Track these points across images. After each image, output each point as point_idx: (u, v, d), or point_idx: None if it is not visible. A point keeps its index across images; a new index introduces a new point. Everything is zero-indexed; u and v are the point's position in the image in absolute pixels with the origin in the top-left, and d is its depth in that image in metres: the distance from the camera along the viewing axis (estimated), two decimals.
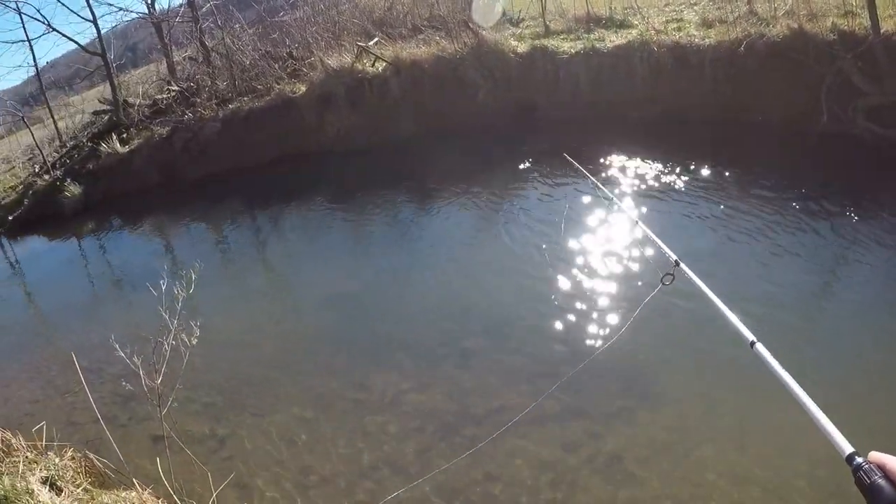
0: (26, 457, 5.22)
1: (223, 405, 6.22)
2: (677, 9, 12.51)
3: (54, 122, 20.99)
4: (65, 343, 8.50)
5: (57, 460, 5.24)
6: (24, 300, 12.02)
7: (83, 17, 19.09)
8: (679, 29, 10.87)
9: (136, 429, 6.14)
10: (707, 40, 10.09)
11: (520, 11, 15.00)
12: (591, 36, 11.77)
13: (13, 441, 5.42)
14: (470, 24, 12.87)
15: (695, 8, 12.13)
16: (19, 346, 9.15)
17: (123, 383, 5.58)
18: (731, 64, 9.67)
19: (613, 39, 11.29)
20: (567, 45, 11.76)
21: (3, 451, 5.32)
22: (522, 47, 12.13)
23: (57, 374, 7.87)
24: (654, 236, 3.12)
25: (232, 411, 6.08)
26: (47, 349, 8.79)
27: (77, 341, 8.32)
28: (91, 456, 5.33)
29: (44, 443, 5.50)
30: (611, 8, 12.79)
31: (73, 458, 5.34)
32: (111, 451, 5.12)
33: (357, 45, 13.90)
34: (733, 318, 2.14)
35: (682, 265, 2.72)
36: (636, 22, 11.88)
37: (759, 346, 1.90)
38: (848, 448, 1.43)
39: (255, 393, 6.28)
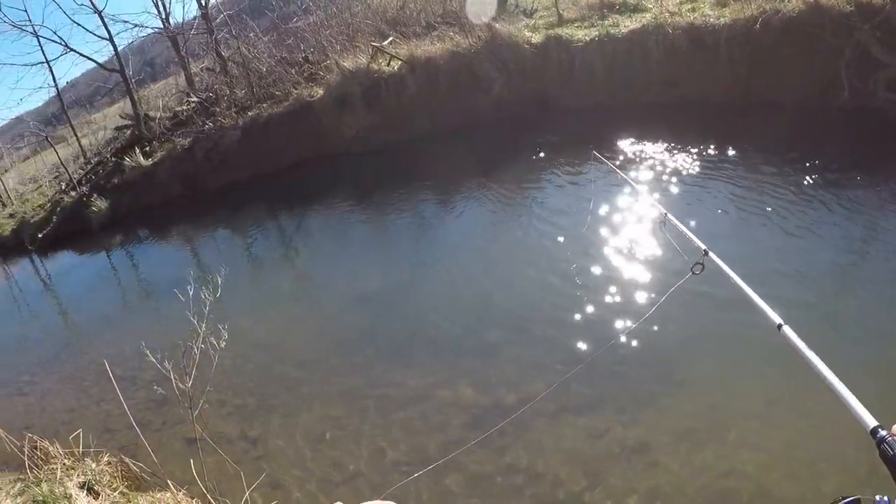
0: (64, 463, 5.32)
1: (253, 406, 6.28)
2: None
3: (77, 139, 21.30)
4: (98, 353, 8.62)
5: (94, 465, 5.33)
6: (57, 314, 12.24)
7: (99, 36, 19.51)
8: (693, 10, 10.70)
9: (169, 432, 6.23)
10: (722, 19, 9.91)
11: (533, 2, 14.91)
12: (605, 22, 11.64)
13: (51, 449, 5.52)
14: (482, 18, 12.82)
15: None
16: (54, 357, 9.31)
17: (156, 388, 5.64)
18: (746, 42, 9.49)
19: (628, 24, 11.16)
20: (581, 33, 11.64)
21: (42, 459, 5.42)
22: (537, 38, 12.04)
23: (91, 383, 8.00)
24: (682, 226, 3.15)
25: (262, 411, 6.14)
26: (81, 360, 8.94)
27: (110, 351, 8.44)
28: (127, 460, 5.39)
29: (80, 449, 5.58)
30: None
31: (109, 463, 5.44)
32: (146, 455, 5.18)
33: (371, 45, 13.91)
34: (760, 303, 2.17)
35: (711, 254, 2.79)
36: (650, 5, 11.72)
37: (787, 329, 1.94)
38: (872, 422, 1.50)
39: (283, 393, 6.34)
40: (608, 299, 6.02)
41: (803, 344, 1.82)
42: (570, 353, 5.44)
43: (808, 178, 7.20)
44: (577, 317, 5.92)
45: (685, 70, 10.22)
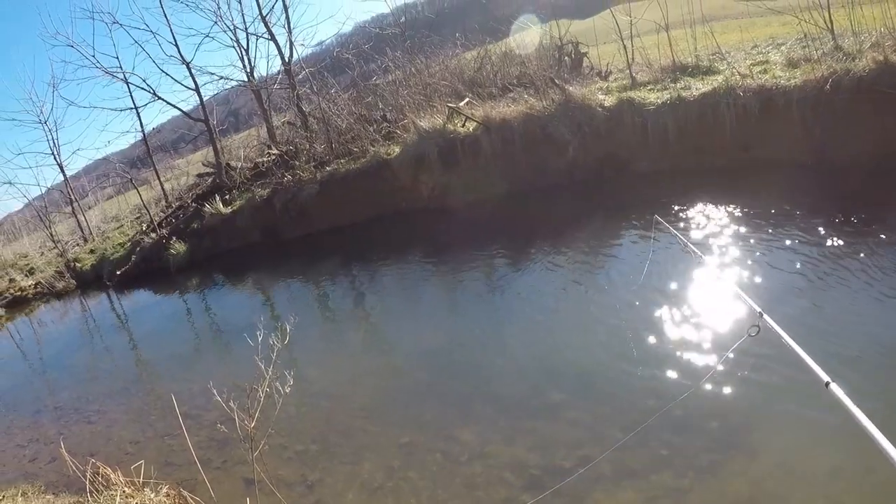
0: (124, 491, 5.48)
1: (314, 452, 6.29)
2: (763, 51, 12.37)
3: (160, 183, 22.14)
4: (165, 389, 8.78)
5: (153, 496, 5.48)
6: (129, 349, 12.56)
7: (186, 86, 20.24)
8: (765, 71, 10.67)
9: (229, 471, 6.28)
10: (793, 81, 9.83)
11: (607, 65, 15.10)
12: (678, 85, 11.68)
13: (112, 476, 5.69)
14: (557, 81, 13.01)
15: (781, 48, 11.96)
16: (123, 391, 9.55)
17: (219, 426, 5.76)
18: (818, 103, 9.36)
19: (699, 87, 11.16)
20: (653, 96, 11.70)
21: (103, 486, 5.58)
22: (610, 100, 12.12)
23: (157, 418, 8.20)
24: (740, 291, 3.20)
25: (322, 458, 6.15)
26: (149, 395, 9.18)
27: (177, 388, 8.57)
28: (185, 494, 5.49)
29: (141, 479, 5.74)
30: (696, 55, 12.72)
31: (168, 495, 5.58)
32: (204, 491, 5.30)
33: (448, 105, 14.20)
34: (809, 360, 2.21)
35: (766, 317, 2.89)
36: (722, 67, 11.74)
37: (834, 386, 1.98)
38: None
39: (344, 441, 6.34)
40: (669, 362, 5.90)
41: (849, 401, 1.84)
42: (628, 416, 5.31)
43: (880, 242, 6.98)
44: (638, 380, 5.83)
45: (758, 133, 10.14)
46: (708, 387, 5.17)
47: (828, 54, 10.00)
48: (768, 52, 12.01)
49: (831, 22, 10.56)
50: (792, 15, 11.27)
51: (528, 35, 17.89)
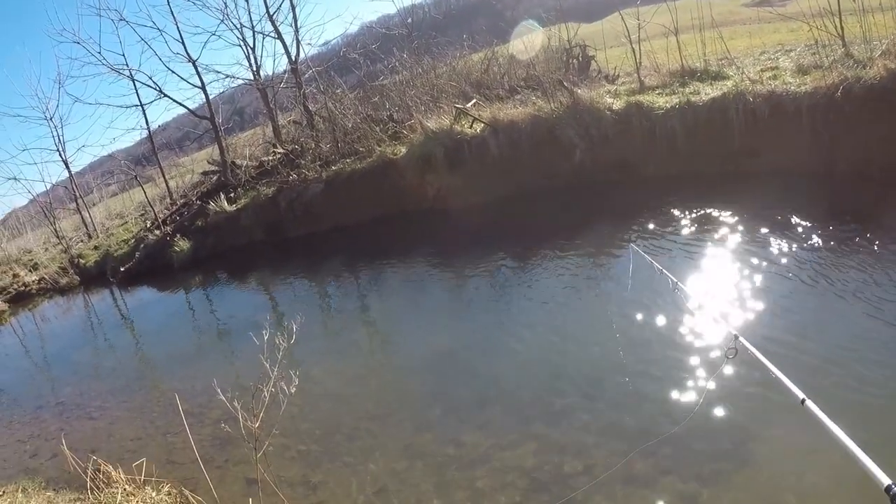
0: (125, 489, 5.48)
1: (317, 453, 6.26)
2: (772, 57, 12.26)
3: (165, 181, 22.20)
4: (168, 387, 8.81)
5: (154, 494, 5.50)
6: (132, 346, 12.57)
7: (192, 84, 20.23)
8: (775, 77, 10.56)
9: (231, 470, 6.26)
10: (803, 87, 9.72)
11: (615, 68, 15.05)
12: (686, 89, 11.58)
13: (113, 474, 5.69)
14: (565, 84, 12.97)
15: (790, 55, 11.85)
16: (126, 388, 9.55)
17: (223, 426, 5.73)
18: (828, 110, 9.25)
19: (709, 92, 11.06)
20: (662, 101, 11.59)
21: (104, 483, 5.58)
22: (618, 104, 12.04)
23: (159, 415, 8.18)
24: (716, 315, 3.51)
25: (325, 459, 6.12)
26: (152, 392, 9.16)
27: (180, 386, 8.59)
28: (186, 492, 5.50)
29: (143, 477, 5.74)
30: (705, 60, 12.65)
31: (169, 494, 5.60)
32: (206, 490, 5.28)
33: (455, 106, 14.15)
34: (784, 379, 2.39)
35: (742, 339, 3.14)
36: (731, 73, 11.65)
37: (809, 403, 2.14)
38: (886, 480, 1.67)
39: (348, 443, 6.30)
40: (674, 377, 5.78)
41: (825, 416, 2.07)
42: (636, 427, 5.27)
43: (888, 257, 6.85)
44: (645, 391, 5.74)
45: (767, 139, 10.02)
46: (709, 405, 5.11)
47: (838, 61, 9.90)
48: (778, 59, 11.92)
49: (842, 28, 10.48)
50: (802, 21, 11.20)
51: (533, 38, 17.84)
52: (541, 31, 18.45)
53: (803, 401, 2.25)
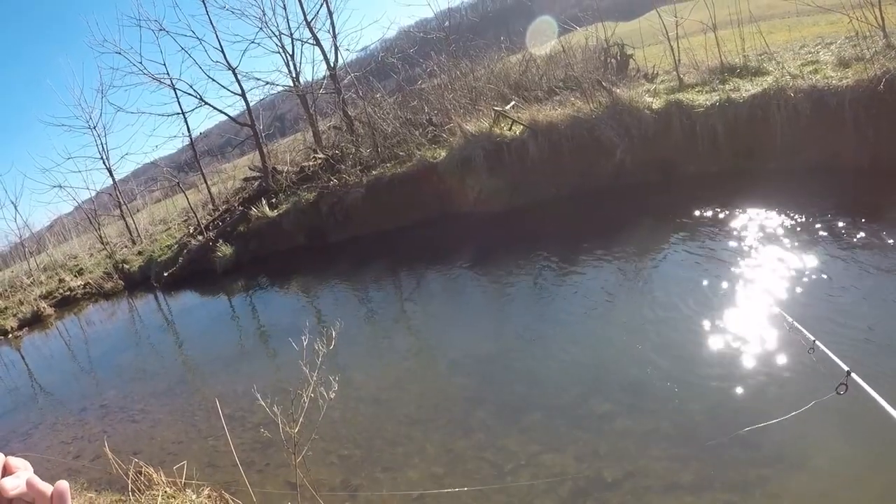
0: (165, 491, 5.48)
1: (357, 457, 6.20)
2: (812, 50, 11.96)
3: (207, 187, 22.45)
4: (210, 391, 8.83)
5: (194, 496, 5.47)
6: (174, 350, 12.69)
7: (232, 91, 20.41)
8: (815, 71, 10.29)
9: (271, 474, 6.22)
10: (844, 81, 9.45)
11: (654, 66, 14.80)
12: (726, 86, 11.37)
13: (154, 476, 5.70)
14: (604, 83, 12.76)
15: (830, 48, 11.57)
16: (168, 391, 9.61)
17: (262, 431, 5.70)
18: (871, 104, 8.99)
19: (749, 88, 10.83)
20: (702, 98, 11.38)
21: (145, 485, 5.58)
22: (657, 103, 11.85)
23: (201, 419, 8.20)
24: (823, 347, 3.07)
25: (365, 464, 6.05)
26: (193, 396, 9.21)
27: (222, 390, 8.65)
28: (226, 496, 5.47)
29: (183, 480, 5.71)
30: (744, 56, 12.35)
31: (209, 497, 5.55)
32: (246, 494, 5.22)
33: (494, 109, 14.03)
34: None
35: (854, 375, 2.75)
36: (771, 68, 11.38)
37: None
38: None
39: (388, 448, 6.22)
40: (720, 388, 5.53)
41: None
42: (683, 432, 5.09)
43: None
44: (698, 395, 5.54)
45: (809, 135, 9.76)
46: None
47: (880, 53, 9.64)
48: (818, 52, 11.63)
49: (883, 19, 10.18)
50: (842, 13, 10.94)
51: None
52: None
53: None
